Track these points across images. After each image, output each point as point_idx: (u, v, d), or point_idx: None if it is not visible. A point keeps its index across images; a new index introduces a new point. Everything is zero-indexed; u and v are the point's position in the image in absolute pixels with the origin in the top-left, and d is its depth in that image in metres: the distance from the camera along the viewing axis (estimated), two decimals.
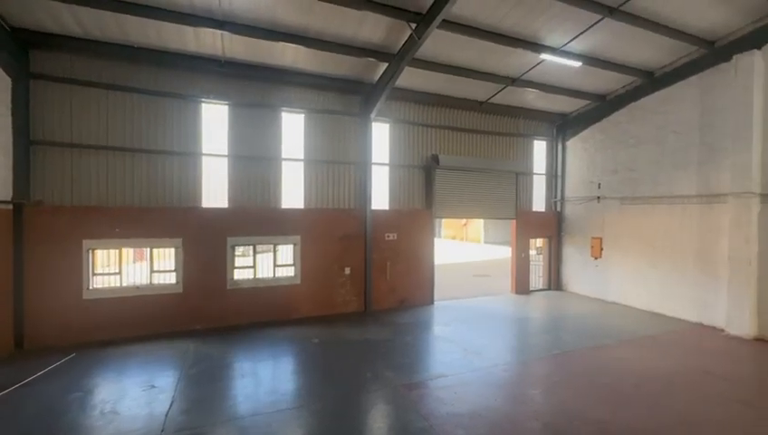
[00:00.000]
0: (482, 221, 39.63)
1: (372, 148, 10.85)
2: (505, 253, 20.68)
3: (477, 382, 6.37)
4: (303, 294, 10.14)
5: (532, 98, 12.25)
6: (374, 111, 10.32)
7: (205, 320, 9.11)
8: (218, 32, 7.80)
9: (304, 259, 10.14)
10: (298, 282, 10.08)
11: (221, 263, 9.29)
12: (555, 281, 14.15)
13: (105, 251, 8.72)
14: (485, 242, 39.85)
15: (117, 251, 8.80)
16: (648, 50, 9.73)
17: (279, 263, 10.05)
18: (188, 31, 7.91)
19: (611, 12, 7.96)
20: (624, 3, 7.79)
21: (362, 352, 7.70)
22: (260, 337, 8.55)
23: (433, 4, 7.39)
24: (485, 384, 6.32)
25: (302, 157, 10.22)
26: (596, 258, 12.69)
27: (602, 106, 12.34)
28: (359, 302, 10.82)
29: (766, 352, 7.92)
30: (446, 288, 14.03)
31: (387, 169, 11.34)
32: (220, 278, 9.30)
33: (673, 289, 10.48)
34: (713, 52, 9.40)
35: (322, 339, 8.49)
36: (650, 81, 10.83)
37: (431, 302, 11.84)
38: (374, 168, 11.03)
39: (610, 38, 9.12)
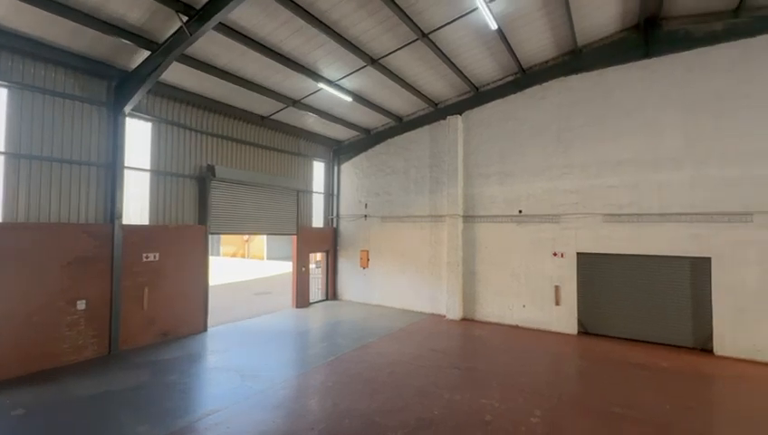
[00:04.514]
0: (265, 237, 38.99)
1: (125, 148, 8.84)
2: (288, 268, 21.03)
3: (255, 408, 6.05)
4: None
5: (311, 122, 13.17)
6: (129, 103, 8.46)
7: None
8: None
9: (1, 297, 7.02)
10: None
11: None
12: (332, 291, 15.40)
13: None
14: (269, 258, 39.29)
15: None
16: (398, 100, 12.29)
17: None
18: None
19: (372, 62, 9.65)
20: (381, 58, 9.64)
21: (100, 411, 5.94)
22: None
23: (208, 3, 6.83)
24: (263, 408, 6.08)
25: (3, 149, 7.19)
26: (364, 268, 14.66)
27: (368, 138, 14.61)
28: (100, 343, 8.37)
29: (468, 328, 11.17)
30: (224, 311, 12.90)
31: (148, 176, 9.48)
32: None
33: (416, 289, 13.34)
34: (437, 110, 12.82)
35: (31, 406, 6.02)
36: (401, 124, 13.68)
37: (204, 329, 10.52)
38: (130, 173, 9.01)
39: (373, 84, 11.00)
